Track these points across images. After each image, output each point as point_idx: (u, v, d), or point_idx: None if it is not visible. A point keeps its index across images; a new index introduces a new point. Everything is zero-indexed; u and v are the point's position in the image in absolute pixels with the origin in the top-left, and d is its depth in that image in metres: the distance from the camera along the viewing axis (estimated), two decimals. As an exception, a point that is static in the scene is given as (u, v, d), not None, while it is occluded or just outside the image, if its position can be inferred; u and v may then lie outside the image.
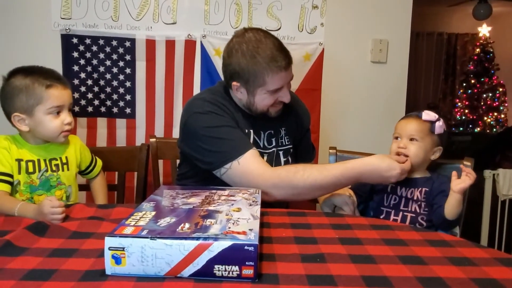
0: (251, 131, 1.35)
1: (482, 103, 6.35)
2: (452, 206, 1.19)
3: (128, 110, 2.04)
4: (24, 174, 1.22)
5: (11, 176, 1.20)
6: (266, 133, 1.39)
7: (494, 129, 6.23)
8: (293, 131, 1.45)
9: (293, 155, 1.46)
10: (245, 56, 1.26)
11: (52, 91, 1.22)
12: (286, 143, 1.43)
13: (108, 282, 0.72)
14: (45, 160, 1.26)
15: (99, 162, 1.46)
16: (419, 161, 1.28)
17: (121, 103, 2.04)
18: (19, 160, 1.22)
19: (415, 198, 1.27)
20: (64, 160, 1.30)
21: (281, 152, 1.41)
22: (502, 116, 6.31)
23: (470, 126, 6.41)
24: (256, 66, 1.25)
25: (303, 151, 1.53)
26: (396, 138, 1.33)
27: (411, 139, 1.29)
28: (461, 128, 6.44)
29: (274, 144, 1.40)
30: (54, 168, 1.27)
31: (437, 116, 1.30)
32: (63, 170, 1.29)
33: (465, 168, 1.20)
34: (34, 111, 1.21)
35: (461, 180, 1.18)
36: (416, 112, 1.33)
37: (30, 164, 1.23)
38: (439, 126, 1.29)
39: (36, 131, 1.24)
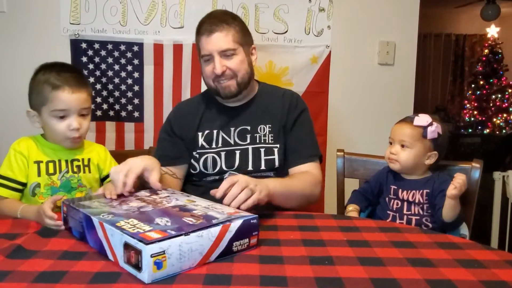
0: (220, 130, 1.39)
1: (491, 104, 6.28)
2: (446, 209, 1.19)
3: (136, 114, 2.06)
4: (45, 176, 1.20)
5: (21, 184, 1.19)
6: (239, 129, 1.39)
7: (504, 131, 6.16)
8: (278, 129, 1.39)
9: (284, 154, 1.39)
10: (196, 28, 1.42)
11: (57, 94, 1.16)
12: (270, 141, 1.38)
13: (118, 285, 0.72)
14: (66, 161, 1.23)
15: None
16: (410, 166, 1.29)
17: (130, 107, 2.05)
18: (38, 162, 1.19)
19: (416, 201, 1.27)
20: (86, 162, 1.27)
21: (262, 150, 1.37)
22: (512, 117, 6.25)
23: (479, 127, 6.34)
24: (196, 33, 1.41)
25: (288, 152, 1.39)
26: (390, 143, 1.33)
27: (402, 145, 1.29)
28: (470, 130, 6.38)
29: (248, 141, 1.38)
30: (75, 170, 1.24)
31: (429, 120, 1.27)
32: (84, 172, 1.26)
33: (455, 177, 1.18)
34: (41, 111, 1.19)
35: (454, 186, 1.17)
36: (412, 115, 1.32)
37: (50, 165, 1.21)
38: (431, 131, 1.26)
39: (45, 130, 1.23)
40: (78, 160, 1.26)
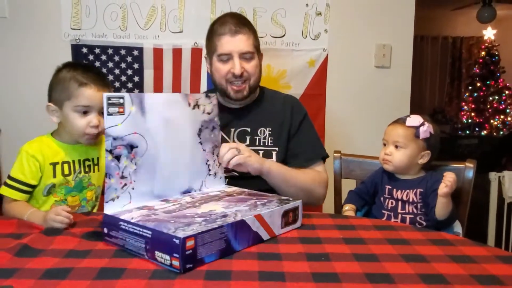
0: (220, 130, 1.40)
1: (488, 106, 6.33)
2: (439, 208, 1.22)
3: (136, 117, 2.09)
4: (60, 177, 1.23)
5: (30, 186, 1.20)
6: (239, 130, 1.42)
7: (501, 132, 6.21)
8: (278, 133, 1.43)
9: (283, 158, 1.43)
10: (209, 28, 1.44)
11: (83, 90, 1.20)
12: (269, 144, 1.42)
13: (122, 281, 0.75)
14: (79, 161, 1.26)
15: None
16: (404, 166, 1.32)
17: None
18: (54, 164, 1.22)
19: (410, 200, 1.30)
20: (95, 161, 1.30)
21: (260, 152, 1.40)
22: (509, 118, 6.29)
23: (477, 129, 6.39)
24: (210, 32, 1.42)
25: (292, 155, 1.44)
26: (384, 144, 1.36)
27: (396, 146, 1.31)
28: (467, 131, 6.42)
29: (248, 142, 1.41)
30: (87, 169, 1.28)
31: (421, 121, 1.30)
32: (94, 171, 1.29)
33: (445, 175, 1.21)
34: (63, 106, 1.22)
35: (445, 184, 1.19)
36: (404, 116, 1.34)
37: (65, 166, 1.24)
38: (423, 131, 1.29)
39: (64, 126, 1.25)
40: (89, 160, 1.29)
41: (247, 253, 0.88)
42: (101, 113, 1.24)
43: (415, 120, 1.31)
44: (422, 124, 1.30)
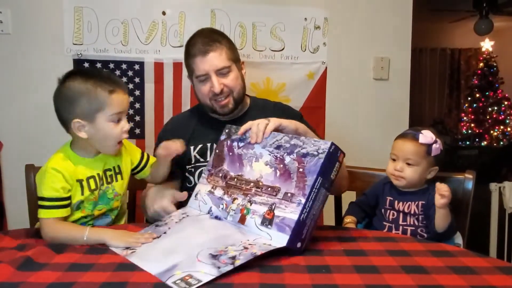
0: (214, 143, 1.38)
1: (487, 117, 6.37)
2: (438, 220, 1.22)
3: (137, 131, 2.10)
4: (87, 192, 1.15)
5: (66, 199, 1.12)
6: None
7: (501, 142, 6.23)
8: None
9: None
10: (184, 50, 1.43)
11: (114, 97, 1.12)
12: None
13: (124, 294, 0.76)
14: (98, 174, 1.18)
15: (152, 159, 1.33)
16: (414, 182, 1.31)
17: (131, 124, 2.09)
18: (80, 181, 1.14)
19: (412, 212, 1.29)
20: (117, 170, 1.23)
21: None
22: (509, 129, 6.31)
23: (477, 140, 6.41)
24: (185, 54, 1.43)
25: None
26: (393, 159, 1.33)
27: (408, 163, 1.29)
28: (467, 142, 6.44)
29: None
30: (109, 180, 1.20)
31: (434, 138, 1.28)
32: (116, 180, 1.22)
33: (438, 188, 1.21)
34: (96, 118, 1.12)
35: (440, 195, 1.20)
36: (413, 130, 1.32)
37: (91, 181, 1.16)
38: (436, 148, 1.28)
39: (94, 139, 1.15)
40: (111, 170, 1.22)
41: (248, 265, 0.88)
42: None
43: (428, 137, 1.28)
44: (435, 142, 1.28)
